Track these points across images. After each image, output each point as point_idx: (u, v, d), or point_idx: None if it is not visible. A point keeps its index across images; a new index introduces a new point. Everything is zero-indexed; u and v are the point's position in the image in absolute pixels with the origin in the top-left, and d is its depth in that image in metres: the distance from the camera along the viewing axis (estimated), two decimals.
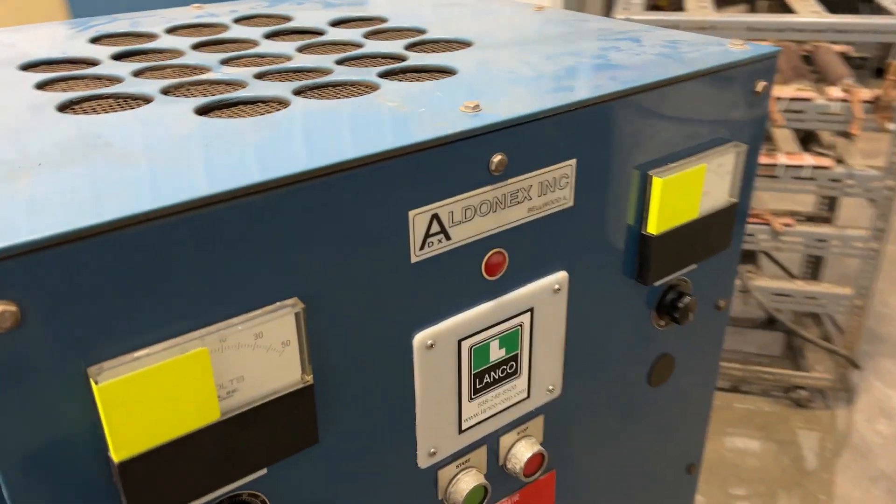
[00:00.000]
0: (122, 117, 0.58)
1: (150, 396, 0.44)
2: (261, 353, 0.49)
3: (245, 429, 0.50)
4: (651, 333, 0.81)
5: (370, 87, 0.65)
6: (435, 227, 0.55)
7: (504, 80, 0.66)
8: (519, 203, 0.60)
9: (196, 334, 0.46)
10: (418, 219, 0.54)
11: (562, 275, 0.67)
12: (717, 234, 0.78)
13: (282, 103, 0.61)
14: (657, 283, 0.77)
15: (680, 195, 0.71)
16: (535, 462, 0.73)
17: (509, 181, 0.59)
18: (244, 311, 0.48)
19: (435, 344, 0.60)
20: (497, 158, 0.56)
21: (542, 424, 0.74)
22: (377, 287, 0.54)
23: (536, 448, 0.72)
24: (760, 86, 0.74)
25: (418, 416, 0.62)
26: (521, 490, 0.76)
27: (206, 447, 0.48)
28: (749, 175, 0.79)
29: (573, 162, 0.62)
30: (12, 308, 0.39)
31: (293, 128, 0.55)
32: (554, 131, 0.60)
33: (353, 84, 0.66)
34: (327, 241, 0.50)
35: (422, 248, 0.55)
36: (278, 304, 0.49)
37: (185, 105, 0.60)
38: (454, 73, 0.68)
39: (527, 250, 0.63)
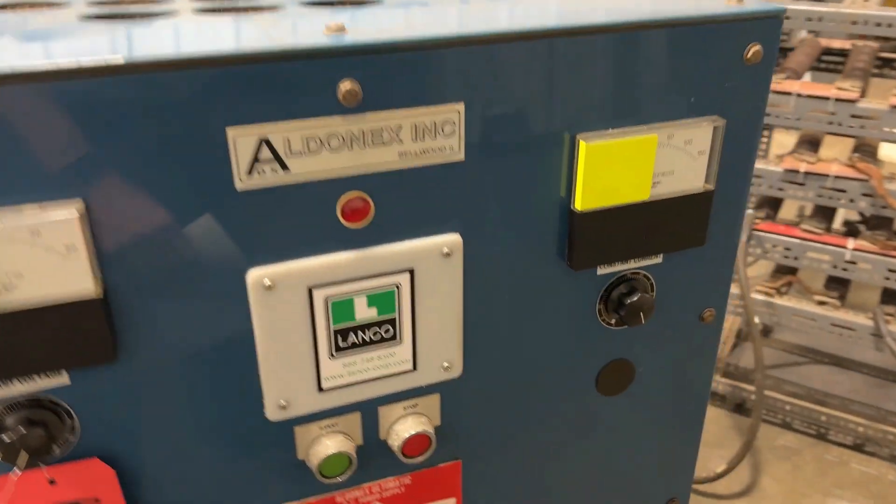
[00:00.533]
0: None
1: None
2: (40, 253, 0.47)
3: (24, 328, 0.49)
4: (598, 332, 0.70)
5: (275, 10, 0.61)
6: (266, 154, 0.51)
7: (419, 13, 0.59)
8: (385, 144, 0.54)
9: None
10: (241, 141, 0.50)
11: (452, 238, 0.59)
12: (684, 225, 0.66)
13: (172, 13, 0.59)
14: (602, 273, 0.66)
15: (619, 168, 0.60)
16: (419, 443, 0.66)
17: (367, 116, 0.52)
18: (17, 203, 0.46)
19: (275, 286, 0.55)
20: (346, 86, 0.50)
21: (439, 405, 0.67)
22: (193, 206, 0.51)
23: (422, 429, 0.65)
24: (752, 51, 0.61)
25: (261, 364, 0.58)
26: (415, 473, 0.70)
27: None
28: (741, 161, 0.66)
29: (459, 107, 0.54)
30: None
31: (138, 29, 0.53)
32: (433, 67, 0.53)
33: (263, 7, 0.63)
34: (126, 143, 0.47)
35: (249, 173, 0.51)
36: (56, 202, 0.47)
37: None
38: (376, 4, 0.63)
39: (401, 202, 0.56)
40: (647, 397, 0.77)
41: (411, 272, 0.59)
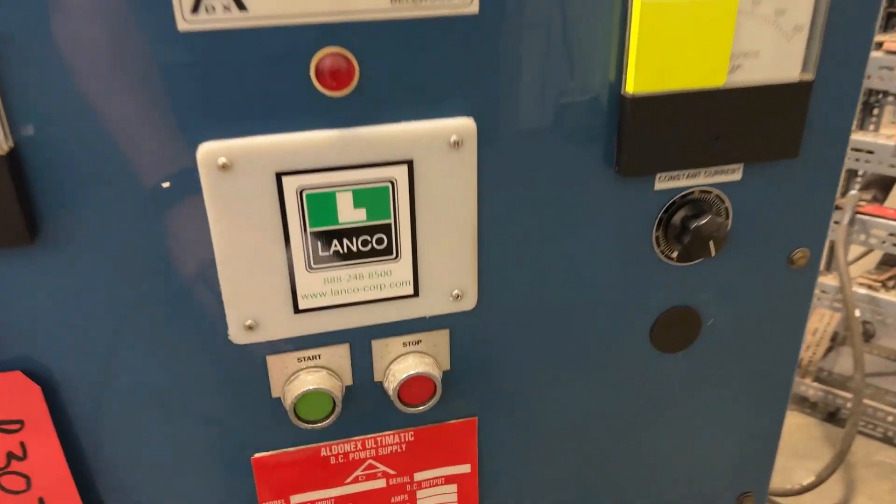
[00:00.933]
0: None
1: None
2: None
3: None
4: (654, 267, 0.56)
5: None
6: None
7: None
8: None
9: None
10: None
11: (463, 123, 0.46)
12: (771, 127, 0.51)
13: None
14: (661, 187, 0.52)
15: (686, 39, 0.46)
16: (420, 388, 0.53)
17: None
18: None
19: (232, 166, 0.44)
20: None
21: (448, 345, 0.54)
22: (126, 50, 0.40)
23: (425, 370, 0.52)
24: None
25: (220, 269, 0.47)
26: (420, 429, 0.57)
27: None
28: (853, 46, 0.50)
29: None
30: None
31: None
32: None
33: None
34: None
35: (195, 10, 0.40)
36: None
37: None
38: None
39: (395, 68, 0.44)
40: (716, 359, 0.62)
41: (409, 164, 0.47)
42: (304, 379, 0.51)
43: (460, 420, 0.58)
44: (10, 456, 0.48)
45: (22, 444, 0.48)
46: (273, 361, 0.51)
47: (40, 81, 0.39)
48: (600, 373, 0.59)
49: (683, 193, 0.53)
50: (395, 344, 0.53)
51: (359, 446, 0.56)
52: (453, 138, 0.47)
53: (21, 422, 0.47)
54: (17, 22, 0.38)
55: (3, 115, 0.39)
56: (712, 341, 0.61)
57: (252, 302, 0.48)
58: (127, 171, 0.43)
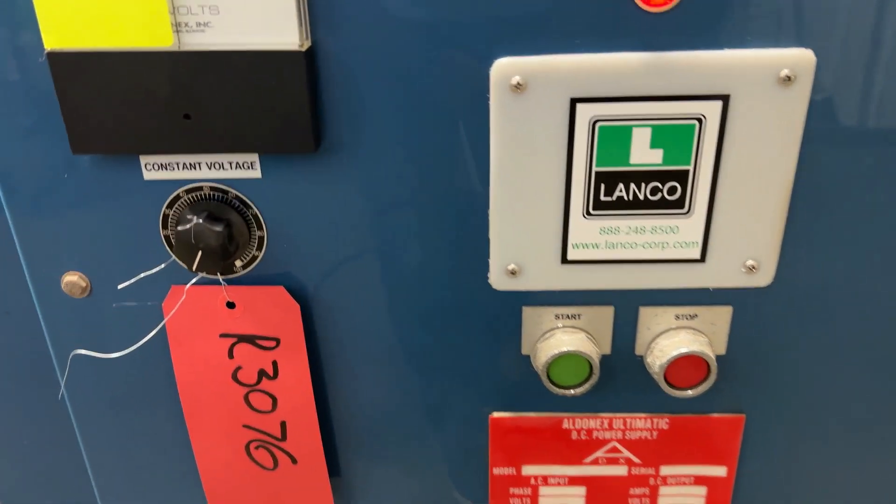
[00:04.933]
0: None
1: None
2: None
3: (214, 83, 0.39)
4: None
5: None
6: None
7: None
8: None
9: None
10: None
11: (800, 54, 0.38)
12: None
13: None
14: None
15: None
16: (691, 370, 0.46)
17: None
18: None
19: (526, 86, 0.39)
20: None
21: (728, 324, 0.47)
22: None
23: (700, 349, 0.45)
24: None
25: (493, 202, 0.43)
26: (677, 417, 0.50)
27: None
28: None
29: None
30: None
31: None
32: None
33: None
34: None
35: None
36: None
37: None
38: None
39: None
40: None
41: (725, 100, 0.40)
42: (560, 338, 0.46)
43: (725, 415, 0.50)
44: (262, 374, 0.47)
45: (274, 364, 0.47)
46: (529, 314, 0.47)
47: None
48: None
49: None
50: (667, 315, 0.46)
51: (605, 424, 0.50)
52: (784, 72, 0.39)
53: (277, 340, 0.46)
54: None
55: (306, 10, 0.37)
56: None
57: (519, 244, 0.44)
58: (413, 84, 0.40)
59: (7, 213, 0.44)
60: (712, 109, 0.40)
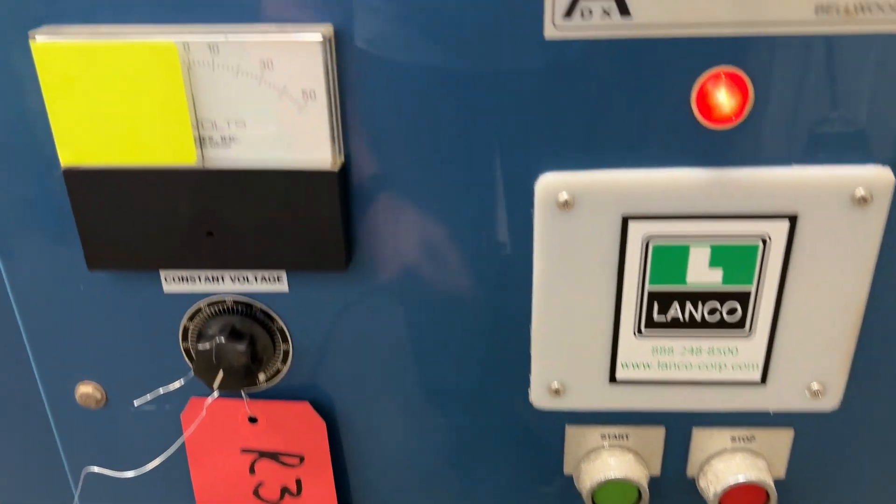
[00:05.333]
0: None
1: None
2: (268, 95, 0.34)
3: (241, 198, 0.36)
4: None
5: None
6: None
7: None
8: None
9: None
10: None
11: (877, 173, 0.35)
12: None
13: None
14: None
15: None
16: (748, 497, 0.42)
17: None
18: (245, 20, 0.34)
19: (574, 204, 0.36)
20: None
21: (788, 448, 0.43)
22: (478, 54, 0.34)
23: (758, 477, 0.42)
24: None
25: (535, 319, 0.40)
26: None
27: None
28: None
29: None
30: None
31: None
32: None
33: None
34: None
35: (568, 14, 0.33)
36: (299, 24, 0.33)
37: None
38: None
39: (801, 97, 0.34)
40: None
41: (792, 220, 0.36)
42: (606, 461, 0.43)
43: None
44: (285, 491, 0.44)
45: (298, 481, 0.44)
46: (572, 433, 0.43)
47: (376, 92, 0.35)
48: None
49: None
50: (722, 436, 0.43)
51: None
52: (859, 192, 0.35)
53: (301, 457, 0.43)
54: (371, 30, 0.33)
55: (339, 127, 0.35)
56: None
57: (563, 362, 0.41)
58: (449, 199, 0.37)
59: (20, 322, 0.41)
60: (778, 230, 0.37)
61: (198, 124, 0.34)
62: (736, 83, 0.34)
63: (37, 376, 0.43)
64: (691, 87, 0.34)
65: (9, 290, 0.40)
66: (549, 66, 0.34)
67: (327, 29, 0.33)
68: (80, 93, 0.33)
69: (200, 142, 0.35)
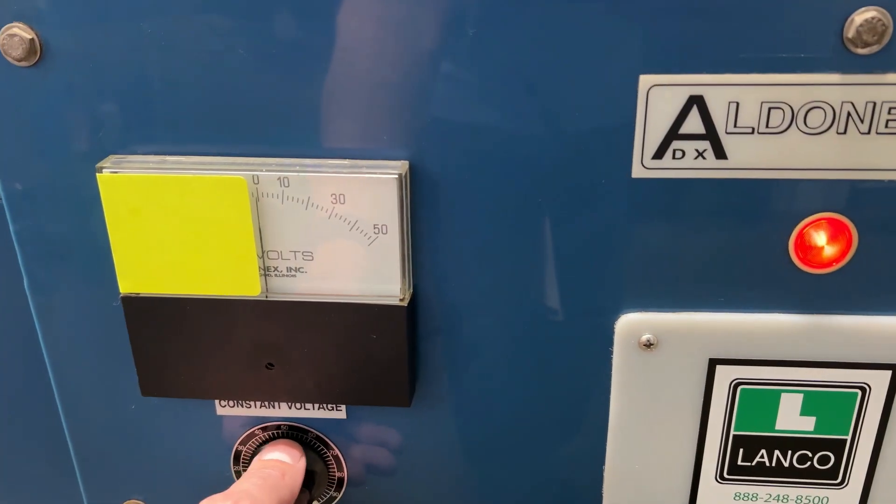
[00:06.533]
0: None
1: None
2: (337, 228, 0.33)
3: (304, 329, 0.34)
4: None
5: None
6: (695, 123, 0.30)
7: None
8: None
9: None
10: (660, 96, 0.30)
11: None
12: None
13: None
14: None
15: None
16: None
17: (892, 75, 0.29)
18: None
19: (658, 345, 0.34)
20: (865, 15, 0.28)
21: None
22: (558, 197, 0.32)
23: None
24: None
25: (608, 462, 0.37)
26: None
27: None
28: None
29: None
30: None
31: None
32: None
33: None
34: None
35: (658, 155, 0.31)
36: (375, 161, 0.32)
37: None
38: None
39: None
40: None
41: (894, 370, 0.33)
42: None
43: None
44: None
45: None
46: None
47: (448, 223, 0.33)
48: None
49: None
50: None
51: None
52: None
53: None
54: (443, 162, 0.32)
55: (410, 260, 0.33)
56: None
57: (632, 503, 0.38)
58: (519, 337, 0.35)
59: (69, 441, 0.40)
60: (879, 379, 0.34)
61: (263, 255, 0.33)
62: (838, 229, 0.31)
63: (83, 492, 0.41)
64: (790, 230, 0.32)
65: (59, 405, 0.39)
66: (635, 204, 0.32)
67: (403, 166, 0.31)
68: (145, 224, 0.32)
69: (265, 272, 0.33)
